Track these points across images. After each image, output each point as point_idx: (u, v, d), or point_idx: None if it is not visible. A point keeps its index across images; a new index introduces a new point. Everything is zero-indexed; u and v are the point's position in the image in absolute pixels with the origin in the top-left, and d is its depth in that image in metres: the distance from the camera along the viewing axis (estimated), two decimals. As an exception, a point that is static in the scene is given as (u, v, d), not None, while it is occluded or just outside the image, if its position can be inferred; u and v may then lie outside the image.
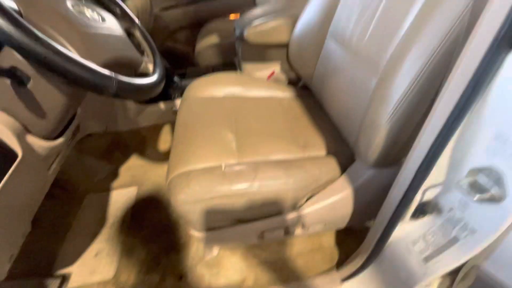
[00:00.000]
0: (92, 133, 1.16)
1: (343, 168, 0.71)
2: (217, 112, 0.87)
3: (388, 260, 0.62)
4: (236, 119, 0.85)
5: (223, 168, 0.65)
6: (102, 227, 1.09)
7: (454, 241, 0.48)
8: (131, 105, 1.11)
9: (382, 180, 0.66)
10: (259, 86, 1.01)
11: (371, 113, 0.58)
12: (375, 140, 0.56)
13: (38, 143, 0.62)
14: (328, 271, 0.82)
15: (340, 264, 0.84)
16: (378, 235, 0.60)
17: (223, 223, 0.68)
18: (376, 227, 0.63)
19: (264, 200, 0.64)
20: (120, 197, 1.19)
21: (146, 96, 0.61)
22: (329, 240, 0.92)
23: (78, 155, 1.15)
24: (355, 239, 0.91)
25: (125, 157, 1.23)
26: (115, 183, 1.22)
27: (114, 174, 1.23)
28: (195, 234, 0.71)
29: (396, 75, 0.53)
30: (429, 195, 0.49)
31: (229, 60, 1.33)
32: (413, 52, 0.51)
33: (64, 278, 0.94)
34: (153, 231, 1.06)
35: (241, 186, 0.62)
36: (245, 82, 1.01)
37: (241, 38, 1.04)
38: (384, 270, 0.64)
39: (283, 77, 1.13)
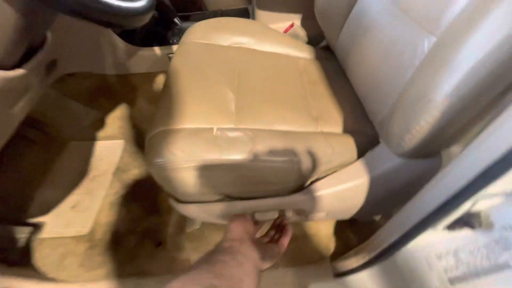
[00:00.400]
0: (75, 72, 1.01)
1: (362, 152, 0.57)
2: (218, 63, 0.72)
3: (398, 268, 0.51)
4: (240, 75, 0.69)
5: (214, 131, 0.52)
6: (83, 179, 1.00)
7: (502, 267, 0.36)
8: (120, 45, 0.94)
9: (409, 173, 0.53)
10: (273, 39, 0.83)
11: (418, 85, 0.43)
12: (419, 121, 0.41)
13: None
14: (320, 261, 0.73)
15: (335, 256, 0.74)
16: (392, 239, 0.49)
17: (208, 197, 0.57)
18: (391, 227, 0.51)
19: (260, 177, 0.52)
20: (105, 149, 1.08)
21: (117, 22, 0.46)
22: (327, 228, 0.83)
23: (60, 97, 1.02)
24: (356, 231, 0.81)
25: (112, 105, 1.10)
26: (101, 133, 1.11)
27: (100, 123, 1.11)
28: (174, 205, 0.60)
29: (468, 39, 0.37)
30: (481, 205, 0.36)
31: (242, 6, 1.13)
32: (497, 11, 0.34)
33: (36, 227, 0.87)
34: (136, 190, 0.97)
35: (233, 157, 0.50)
36: (257, 32, 0.84)
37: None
38: (388, 278, 0.54)
39: (302, 33, 0.95)
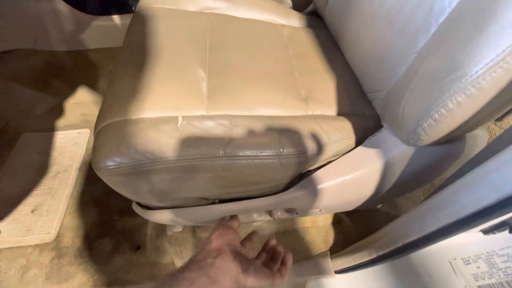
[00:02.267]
0: (12, 49, 0.83)
1: (361, 137, 0.48)
2: (185, 34, 0.57)
3: (413, 269, 0.45)
4: (212, 48, 0.56)
5: (179, 122, 0.40)
6: (42, 177, 0.86)
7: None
8: (68, 13, 0.76)
9: (422, 160, 0.44)
10: (251, 3, 0.69)
11: (442, 55, 0.32)
12: (445, 102, 0.31)
13: None
14: (320, 256, 0.67)
15: (335, 250, 0.68)
16: (410, 238, 0.41)
17: (179, 202, 0.46)
18: (409, 225, 0.43)
19: (241, 177, 0.42)
20: (67, 140, 0.94)
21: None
22: (324, 219, 0.75)
23: (2, 80, 0.84)
24: (356, 221, 0.75)
25: (70, 88, 0.93)
26: (61, 122, 0.95)
27: (58, 110, 0.95)
28: (139, 212, 0.50)
29: None
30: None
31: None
32: None
33: (-10, 238, 0.74)
34: (107, 186, 0.84)
35: (205, 153, 0.39)
36: (234, -5, 0.69)
37: None
38: (400, 279, 0.48)
39: (288, -5, 0.80)
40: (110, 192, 0.82)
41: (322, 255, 0.66)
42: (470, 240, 0.36)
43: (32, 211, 0.80)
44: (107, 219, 0.79)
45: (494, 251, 0.34)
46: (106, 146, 0.38)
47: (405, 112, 0.38)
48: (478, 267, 0.35)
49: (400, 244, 0.43)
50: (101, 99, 0.97)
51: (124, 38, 0.57)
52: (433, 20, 0.36)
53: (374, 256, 0.51)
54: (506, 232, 0.31)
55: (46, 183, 0.86)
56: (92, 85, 0.94)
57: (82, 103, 0.97)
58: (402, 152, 0.43)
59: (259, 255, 0.43)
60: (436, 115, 0.33)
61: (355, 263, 0.56)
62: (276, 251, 0.43)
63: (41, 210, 0.81)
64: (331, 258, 0.63)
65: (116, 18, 0.83)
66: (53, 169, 0.88)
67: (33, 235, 0.76)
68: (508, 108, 0.36)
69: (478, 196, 0.29)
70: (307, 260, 0.67)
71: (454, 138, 0.42)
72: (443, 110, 0.32)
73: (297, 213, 0.55)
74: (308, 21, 0.72)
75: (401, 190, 0.57)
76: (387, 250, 0.47)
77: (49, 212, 0.80)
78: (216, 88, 0.48)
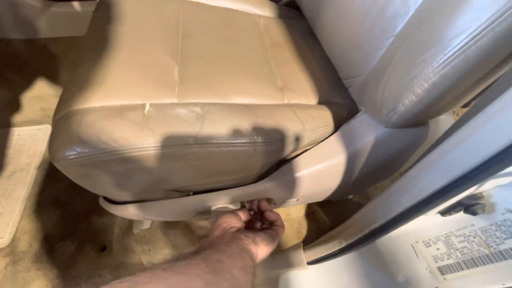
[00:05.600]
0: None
1: (337, 125, 0.48)
2: (155, 20, 0.55)
3: (379, 255, 0.46)
4: (184, 35, 0.54)
5: (146, 109, 0.38)
6: (-4, 177, 0.79)
7: (502, 256, 0.31)
8: (23, -2, 0.70)
9: (393, 144, 0.45)
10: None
11: (417, 41, 0.33)
12: (419, 85, 0.32)
13: None
14: (293, 248, 0.67)
15: (308, 241, 0.68)
16: (375, 225, 0.42)
17: (148, 195, 0.44)
18: (374, 212, 0.44)
19: (214, 166, 0.40)
20: (25, 137, 0.87)
21: None
22: (298, 210, 0.76)
23: None
24: (328, 212, 0.76)
25: (27, 80, 0.86)
26: (17, 118, 0.88)
27: (14, 105, 0.87)
28: (105, 207, 0.47)
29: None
30: (486, 186, 0.29)
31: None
32: None
33: None
34: (70, 185, 0.79)
35: (175, 142, 0.37)
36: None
37: None
38: (368, 265, 0.49)
39: (262, -13, 0.80)
40: (73, 191, 0.78)
41: (295, 247, 0.66)
42: (430, 222, 0.37)
43: (-16, 215, 0.73)
44: (70, 220, 0.73)
45: (451, 232, 0.36)
46: (65, 134, 0.35)
47: (385, 92, 0.38)
48: (437, 249, 0.37)
49: (367, 230, 0.44)
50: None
51: (89, 25, 0.54)
52: (412, 2, 0.36)
53: (343, 245, 0.51)
54: (462, 213, 0.33)
55: (1, 184, 0.78)
56: (52, 77, 0.88)
57: (41, 97, 0.90)
58: (374, 138, 0.44)
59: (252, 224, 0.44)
60: (418, 90, 0.33)
61: (326, 253, 0.56)
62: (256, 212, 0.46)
63: (-4, 213, 0.74)
64: (304, 250, 0.63)
65: (76, 4, 0.78)
66: (8, 169, 0.81)
67: (-15, 240, 0.69)
68: (475, 93, 0.38)
69: (434, 178, 0.30)
70: (280, 253, 0.67)
71: (421, 122, 0.43)
72: (425, 84, 0.33)
73: (274, 204, 0.55)
74: (285, 11, 0.72)
75: (373, 178, 0.58)
76: (355, 238, 0.48)
77: (3, 215, 0.73)
78: (189, 76, 0.46)
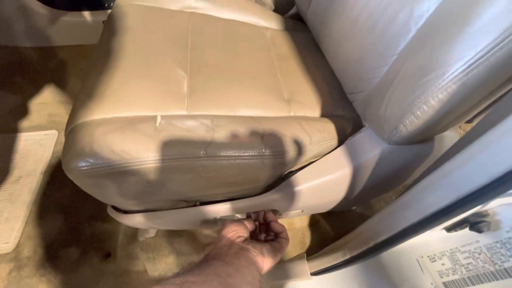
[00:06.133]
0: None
1: (342, 138, 0.49)
2: (165, 32, 0.56)
3: (384, 268, 0.46)
4: (193, 48, 0.55)
5: (158, 121, 0.39)
6: (2, 182, 0.79)
7: (507, 274, 0.31)
8: (35, 7, 0.72)
9: (397, 159, 0.46)
10: (234, 4, 0.69)
11: (421, 58, 0.34)
12: (424, 102, 0.33)
13: None
14: (297, 258, 0.67)
15: (311, 251, 0.68)
16: (380, 238, 0.42)
17: (156, 204, 0.45)
18: (379, 225, 0.45)
19: (222, 178, 0.41)
20: (32, 142, 0.88)
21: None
22: (301, 220, 0.76)
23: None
24: (332, 222, 0.76)
25: (35, 87, 0.87)
26: (25, 123, 0.89)
27: (22, 110, 0.88)
28: (113, 215, 0.47)
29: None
30: (492, 204, 0.30)
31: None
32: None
33: None
34: (75, 192, 0.80)
35: (185, 153, 0.38)
36: (215, -5, 0.69)
37: None
38: (372, 278, 0.49)
39: (269, 0, 0.81)
40: (78, 197, 0.79)
41: (299, 257, 0.66)
42: (435, 238, 0.38)
43: (-10, 219, 0.74)
44: (75, 226, 0.74)
45: (457, 248, 0.36)
46: (78, 145, 0.36)
47: (387, 111, 0.39)
48: (443, 264, 0.37)
49: (371, 244, 0.45)
50: (70, 99, 0.92)
51: (100, 35, 0.55)
52: (413, 24, 0.38)
53: (348, 256, 0.52)
54: (467, 229, 0.33)
55: (7, 188, 0.79)
56: (60, 84, 0.89)
57: (49, 103, 0.91)
58: (379, 153, 0.45)
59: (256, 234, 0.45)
60: (418, 112, 0.34)
61: (330, 265, 0.57)
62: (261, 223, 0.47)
63: (2, 217, 0.74)
64: (307, 260, 0.63)
65: (86, 14, 0.80)
66: (14, 173, 0.82)
67: (-9, 245, 0.70)
68: (479, 109, 0.39)
69: (440, 196, 0.30)
70: (284, 262, 0.67)
71: (425, 139, 0.44)
72: (425, 107, 0.34)
73: (279, 214, 0.55)
74: (290, 24, 0.74)
75: (376, 191, 0.59)
76: (360, 250, 0.48)
77: (8, 220, 0.74)
78: (198, 87, 0.47)
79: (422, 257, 0.40)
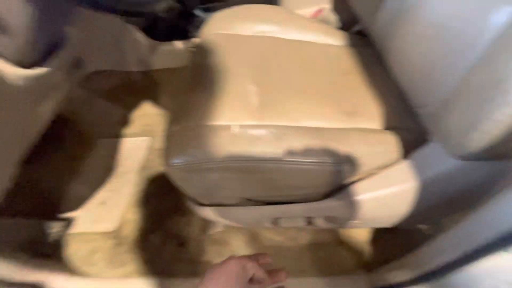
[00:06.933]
0: (100, 70, 1.02)
1: (406, 151, 0.49)
2: (240, 54, 0.66)
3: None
4: (264, 66, 0.63)
5: (234, 129, 0.47)
6: (111, 176, 1.01)
7: None
8: (143, 41, 0.93)
9: (469, 177, 0.43)
10: (299, 25, 0.76)
11: (491, 68, 0.34)
12: (493, 114, 0.32)
13: (6, 69, 0.49)
14: (354, 272, 0.66)
15: (371, 266, 0.66)
16: (447, 257, 0.40)
17: (227, 200, 0.52)
18: (447, 243, 0.43)
19: (286, 180, 0.46)
20: (131, 146, 1.09)
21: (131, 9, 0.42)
22: (361, 234, 0.75)
23: (88, 96, 1.04)
24: (396, 239, 0.72)
25: (137, 102, 1.10)
26: (127, 131, 1.12)
27: (127, 120, 1.12)
28: (192, 207, 0.57)
29: None
30: None
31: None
32: None
33: (67, 222, 0.90)
34: (161, 187, 0.96)
35: (255, 157, 0.44)
36: (282, 18, 0.77)
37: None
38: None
39: (332, 18, 0.85)
40: (163, 193, 0.94)
41: (357, 271, 0.65)
42: (516, 261, 0.34)
43: (101, 204, 0.95)
44: (159, 216, 0.89)
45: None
46: (175, 147, 0.46)
47: (454, 125, 0.38)
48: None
49: (438, 263, 0.42)
50: (162, 111, 1.12)
51: (190, 60, 0.68)
52: (485, 37, 0.36)
53: (412, 275, 0.49)
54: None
55: (113, 181, 1.00)
56: (155, 99, 1.10)
57: (146, 115, 1.12)
58: (446, 168, 0.44)
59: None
60: (484, 128, 0.34)
61: (391, 283, 0.55)
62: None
63: (107, 203, 0.94)
64: (366, 276, 0.62)
65: (178, 43, 0.98)
66: (119, 170, 1.03)
67: (100, 224, 0.89)
68: None
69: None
70: (341, 275, 0.66)
71: (500, 156, 0.41)
72: (490, 123, 0.33)
73: (337, 223, 0.57)
74: (354, 40, 0.76)
75: (445, 210, 0.55)
76: (425, 270, 0.46)
77: (113, 206, 0.94)
78: (267, 101, 0.54)
79: (499, 284, 0.36)
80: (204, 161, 0.44)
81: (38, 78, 0.55)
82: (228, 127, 0.48)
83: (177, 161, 0.45)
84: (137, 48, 0.95)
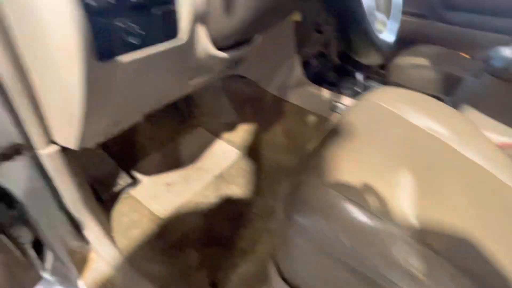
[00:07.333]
0: (244, 76, 1.07)
1: None
2: (403, 140, 0.57)
3: None
4: (429, 169, 0.52)
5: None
6: (190, 164, 1.00)
7: None
8: (297, 73, 0.93)
9: None
10: (480, 147, 0.62)
11: None
12: None
13: (205, 45, 0.50)
14: None
15: None
16: None
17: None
18: None
19: None
20: (221, 150, 1.07)
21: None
22: None
23: (219, 89, 1.09)
24: None
25: (253, 117, 1.09)
26: (226, 135, 1.11)
27: (234, 127, 1.12)
28: (271, 275, 0.45)
29: None
30: None
31: (434, 93, 0.97)
32: None
33: (134, 182, 0.89)
34: (224, 206, 0.88)
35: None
36: (462, 129, 0.65)
37: (497, 72, 0.67)
38: None
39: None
40: (222, 212, 0.86)
41: None
42: None
43: (167, 184, 0.92)
44: (209, 232, 0.80)
45: None
46: (311, 202, 0.37)
47: None
48: None
49: None
50: (266, 138, 1.08)
51: (341, 118, 0.62)
52: None
53: None
54: None
55: (189, 171, 0.98)
56: (267, 125, 1.08)
57: (250, 132, 1.11)
58: None
59: None
60: None
61: None
62: None
63: (173, 188, 0.91)
64: None
65: (324, 90, 0.96)
66: (199, 165, 1.01)
67: (156, 202, 0.86)
68: None
69: None
70: None
71: None
72: None
73: None
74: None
75: None
76: None
77: (176, 194, 0.89)
78: (426, 211, 0.42)
79: None
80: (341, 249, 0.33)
81: (216, 60, 0.56)
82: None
83: (305, 222, 0.36)
84: (288, 76, 0.96)
